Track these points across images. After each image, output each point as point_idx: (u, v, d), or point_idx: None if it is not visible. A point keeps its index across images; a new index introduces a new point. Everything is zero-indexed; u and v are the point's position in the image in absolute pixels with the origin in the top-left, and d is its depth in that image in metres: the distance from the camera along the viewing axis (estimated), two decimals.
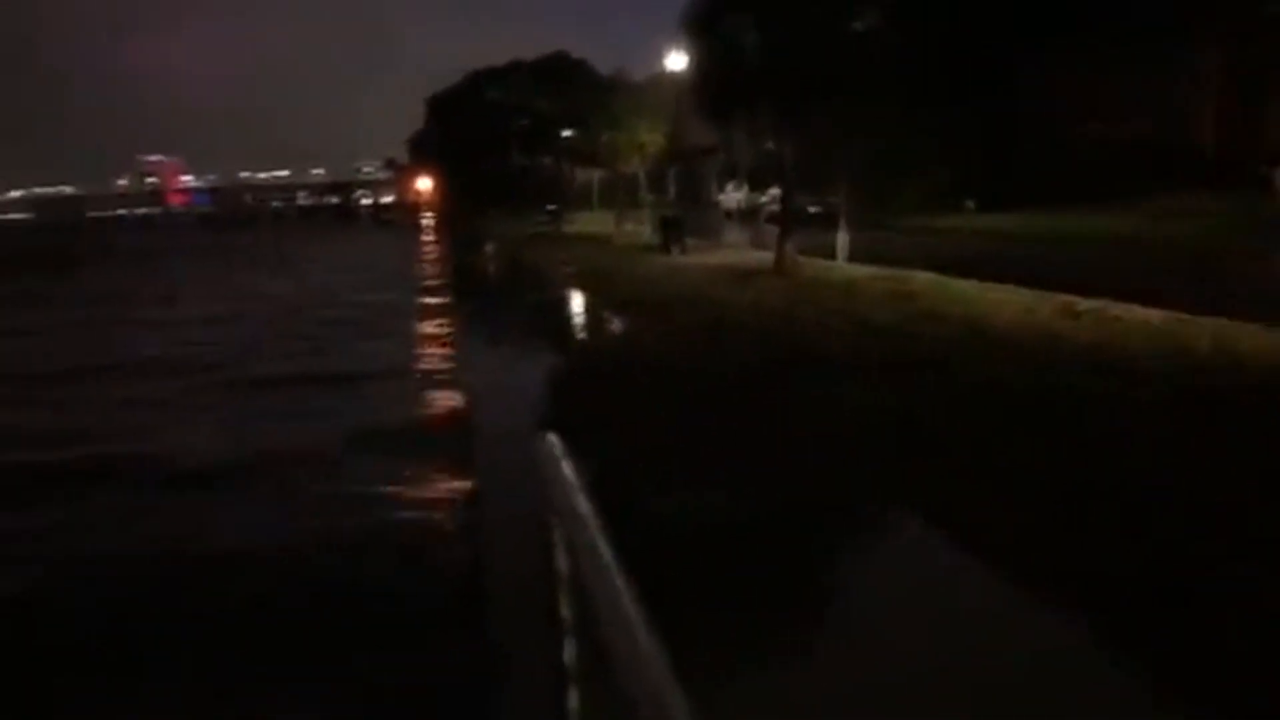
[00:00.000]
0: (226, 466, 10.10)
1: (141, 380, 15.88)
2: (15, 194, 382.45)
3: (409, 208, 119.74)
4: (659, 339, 14.51)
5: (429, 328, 20.28)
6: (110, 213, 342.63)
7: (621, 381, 11.83)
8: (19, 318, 27.05)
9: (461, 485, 8.83)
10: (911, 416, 8.60)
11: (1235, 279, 17.30)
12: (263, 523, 8.40)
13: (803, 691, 4.39)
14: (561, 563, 2.45)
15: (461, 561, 7.05)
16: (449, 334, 19.00)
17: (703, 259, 27.11)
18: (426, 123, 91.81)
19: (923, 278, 18.60)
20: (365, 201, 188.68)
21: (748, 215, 37.93)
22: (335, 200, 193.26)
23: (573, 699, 2.42)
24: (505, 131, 67.95)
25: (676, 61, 33.32)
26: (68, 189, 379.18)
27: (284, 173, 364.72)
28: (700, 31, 22.65)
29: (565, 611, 2.45)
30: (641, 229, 41.13)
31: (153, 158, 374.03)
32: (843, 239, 23.43)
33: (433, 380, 14.37)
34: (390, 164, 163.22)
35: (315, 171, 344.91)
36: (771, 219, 29.97)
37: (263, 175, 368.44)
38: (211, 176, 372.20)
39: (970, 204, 38.83)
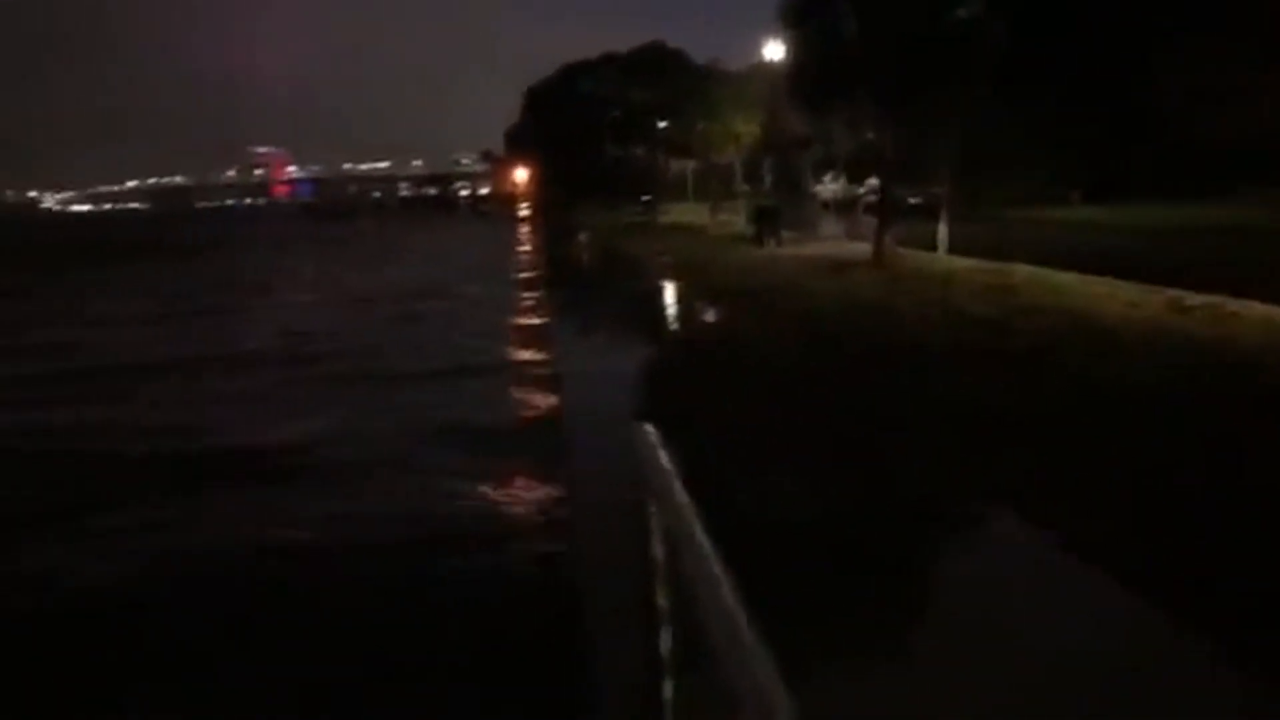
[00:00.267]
0: (329, 464, 10.07)
1: (243, 372, 16.05)
2: (132, 184, 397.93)
3: (505, 199, 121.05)
4: (753, 330, 14.39)
5: (524, 319, 20.35)
6: (218, 203, 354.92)
7: (716, 372, 11.75)
8: (131, 306, 28.00)
9: (554, 472, 8.83)
10: (1010, 413, 8.35)
11: None
12: (362, 513, 8.44)
13: (894, 689, 4.29)
14: (658, 551, 2.42)
15: (552, 549, 7.08)
16: (544, 325, 19.02)
17: (798, 250, 26.84)
18: (522, 115, 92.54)
19: (1025, 270, 18.11)
20: (463, 193, 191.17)
21: (844, 207, 37.37)
22: (434, 191, 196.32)
23: (667, 690, 2.40)
24: (600, 122, 68.15)
25: (774, 51, 32.95)
26: (179, 179, 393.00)
27: (385, 164, 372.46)
28: (798, 19, 22.39)
29: (661, 601, 2.43)
30: (736, 220, 40.90)
31: (261, 149, 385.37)
32: (943, 231, 22.94)
33: (529, 372, 14.32)
34: (487, 156, 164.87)
35: (415, 163, 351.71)
36: (869, 210, 29.48)
37: (364, 167, 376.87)
38: (315, 168, 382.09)
39: (1075, 196, 37.73)
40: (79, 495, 9.38)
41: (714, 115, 42.41)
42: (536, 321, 19.47)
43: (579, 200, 69.60)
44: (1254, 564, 5.27)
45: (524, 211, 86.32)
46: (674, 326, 17.29)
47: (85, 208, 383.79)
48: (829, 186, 45.19)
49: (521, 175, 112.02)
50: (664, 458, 2.32)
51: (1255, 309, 12.52)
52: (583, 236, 45.31)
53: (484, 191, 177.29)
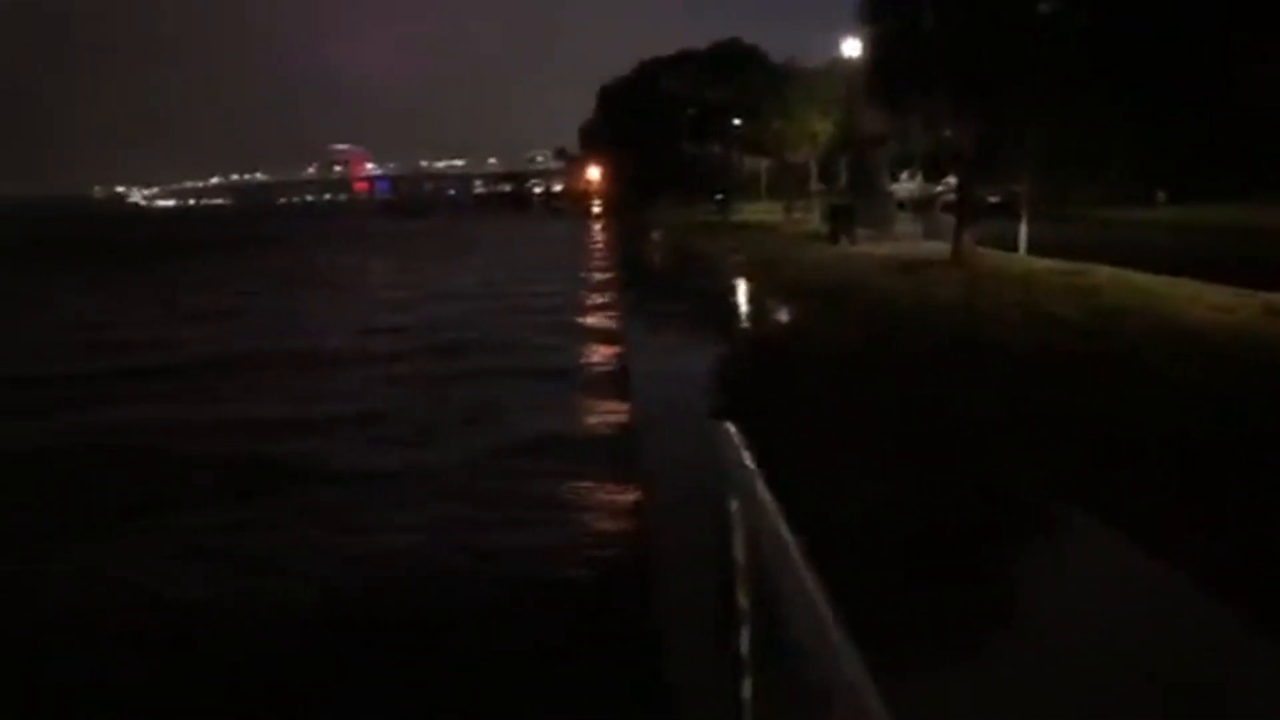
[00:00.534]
0: (405, 470, 9.94)
1: (317, 371, 16.12)
2: (215, 180, 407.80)
3: (579, 196, 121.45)
4: (828, 329, 14.24)
5: (595, 318, 20.36)
6: (298, 199, 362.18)
7: (790, 372, 11.63)
8: (223, 301, 28.65)
9: (629, 473, 8.80)
10: (1091, 418, 8.13)
11: None
12: (435, 521, 8.36)
13: (970, 687, 4.18)
14: (738, 551, 2.40)
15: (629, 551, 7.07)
16: (616, 322, 19.00)
17: (873, 249, 26.54)
18: (597, 113, 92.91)
19: (1108, 272, 17.66)
20: (537, 190, 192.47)
21: (922, 205, 36.87)
22: (508, 189, 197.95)
23: (746, 689, 2.38)
24: (674, 120, 68.11)
25: (852, 48, 32.64)
26: (261, 176, 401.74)
27: (460, 162, 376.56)
28: (877, 15, 22.10)
29: (741, 600, 2.40)
30: (810, 218, 40.60)
31: (340, 147, 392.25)
32: (1024, 230, 22.48)
33: (602, 371, 14.34)
34: (561, 153, 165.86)
35: (490, 161, 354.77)
36: (947, 209, 29.06)
37: (441, 164, 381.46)
38: (392, 165, 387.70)
39: (1161, 196, 36.71)
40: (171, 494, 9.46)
41: (790, 113, 42.16)
42: (608, 322, 19.40)
43: (652, 198, 69.65)
44: None
45: (597, 209, 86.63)
46: (747, 325, 17.16)
47: (170, 203, 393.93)
48: (905, 185, 44.60)
49: (595, 173, 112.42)
50: (746, 456, 2.30)
51: None
52: (655, 234, 45.33)
53: (557, 189, 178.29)
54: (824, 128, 41.46)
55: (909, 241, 29.25)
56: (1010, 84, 19.49)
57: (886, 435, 8.54)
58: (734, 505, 2.38)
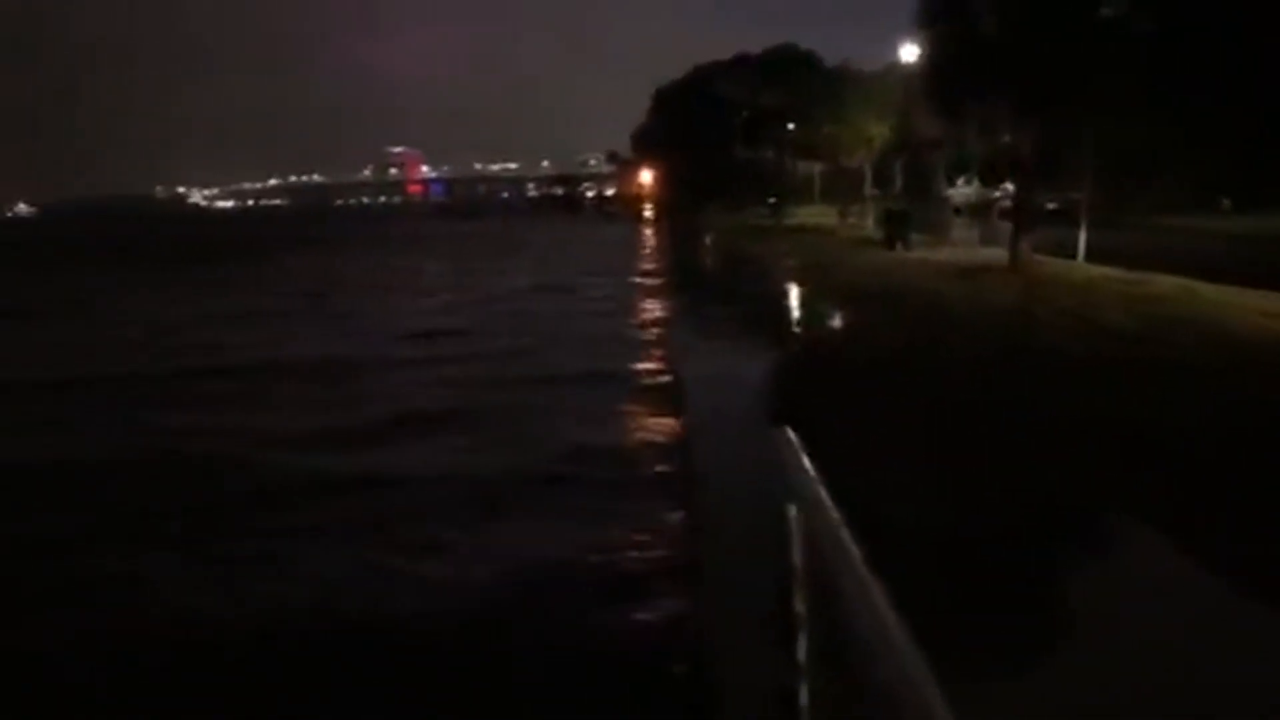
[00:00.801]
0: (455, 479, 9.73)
1: (371, 376, 15.87)
2: (273, 181, 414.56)
3: (631, 199, 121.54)
4: (883, 335, 14.11)
5: (649, 320, 20.29)
6: (354, 200, 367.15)
7: (843, 378, 11.52)
8: (280, 303, 29.00)
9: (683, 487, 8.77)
10: (1150, 429, 7.96)
11: None
12: (518, 536, 8.18)
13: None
14: (797, 556, 2.39)
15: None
16: (668, 327, 18.89)
17: (929, 255, 26.28)
18: (650, 116, 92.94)
19: (1169, 281, 17.31)
20: (589, 194, 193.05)
21: (978, 211, 36.44)
22: (560, 192, 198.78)
23: (804, 695, 2.38)
24: (728, 124, 67.95)
25: (909, 53, 32.37)
26: (317, 177, 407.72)
27: (514, 165, 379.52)
28: (935, 18, 21.88)
29: (799, 606, 2.40)
30: (864, 223, 40.32)
31: (396, 149, 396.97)
32: (1083, 237, 22.14)
33: (655, 379, 14.12)
34: (613, 157, 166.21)
35: (543, 164, 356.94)
36: (1004, 215, 28.70)
37: (495, 167, 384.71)
38: (447, 168, 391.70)
39: (1226, 203, 35.97)
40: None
41: (845, 117, 41.88)
42: (659, 329, 19.19)
43: (704, 202, 69.56)
44: None
45: (648, 212, 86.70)
46: (801, 330, 17.05)
47: (229, 203, 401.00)
48: (962, 190, 44.18)
49: (647, 177, 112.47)
50: (806, 461, 2.29)
51: None
52: (708, 238, 45.27)
53: (609, 193, 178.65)
54: (879, 132, 41.14)
55: (965, 247, 28.92)
56: (1071, 89, 19.20)
57: (941, 442, 8.43)
58: (793, 511, 2.37)
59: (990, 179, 41.97)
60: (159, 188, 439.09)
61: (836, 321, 16.90)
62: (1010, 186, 29.67)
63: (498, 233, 74.33)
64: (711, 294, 24.59)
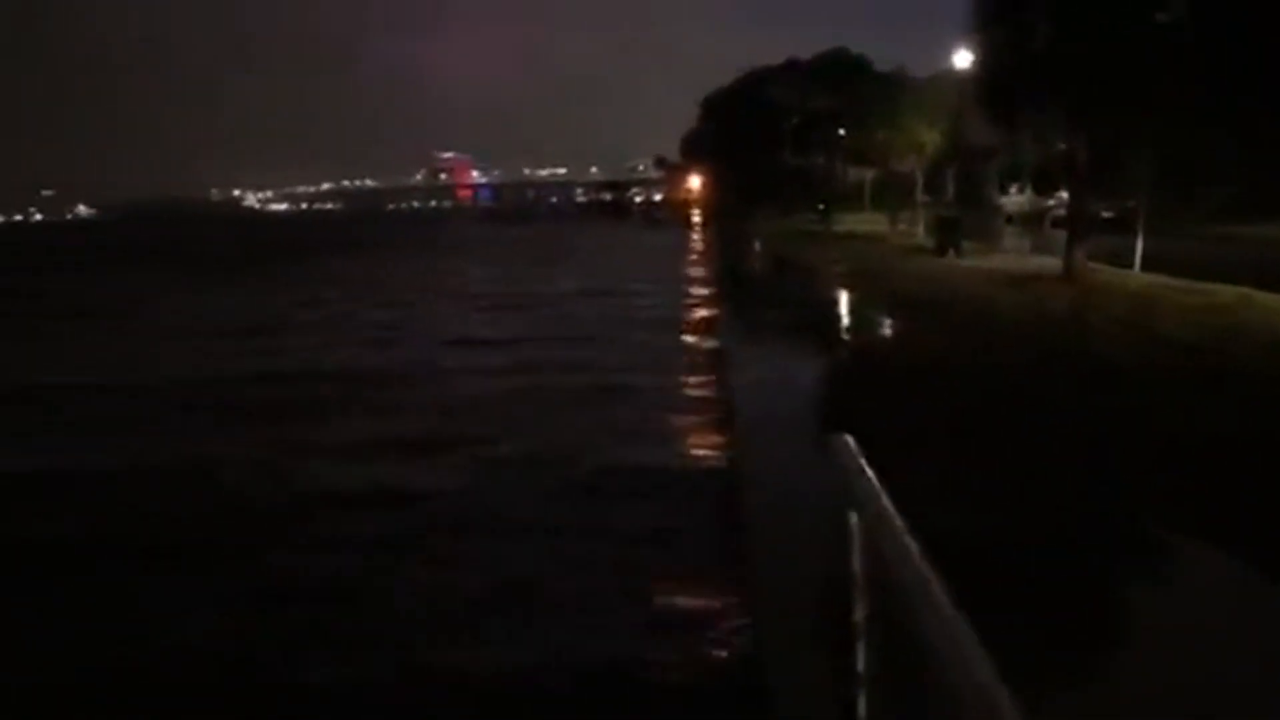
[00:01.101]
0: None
1: (425, 385, 15.76)
2: (326, 185, 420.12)
3: (679, 205, 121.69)
4: (933, 344, 13.97)
5: (698, 327, 20.14)
6: (405, 205, 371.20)
7: (895, 388, 11.41)
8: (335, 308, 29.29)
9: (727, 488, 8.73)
10: (1211, 443, 7.79)
11: None
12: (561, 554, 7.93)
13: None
14: (857, 564, 2.38)
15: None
16: (718, 336, 18.70)
17: (980, 262, 26.00)
18: (699, 122, 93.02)
19: (1227, 290, 16.95)
20: (638, 199, 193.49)
21: (1030, 219, 36.01)
22: (608, 197, 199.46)
23: (862, 706, 2.37)
24: (777, 130, 67.80)
25: (962, 59, 32.08)
26: (370, 182, 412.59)
27: (562, 170, 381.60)
28: (988, 24, 21.65)
29: (858, 614, 2.38)
30: (915, 230, 40.02)
31: (446, 155, 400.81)
32: (1139, 246, 21.77)
33: (701, 391, 13.91)
34: (661, 162, 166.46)
35: (592, 169, 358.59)
36: (1057, 224, 28.32)
37: (544, 172, 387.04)
38: (497, 173, 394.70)
39: None
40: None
41: (896, 123, 41.58)
42: (708, 337, 18.84)
43: (753, 208, 69.42)
44: None
45: (696, 218, 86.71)
46: (850, 338, 16.92)
47: (283, 206, 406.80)
48: (1014, 198, 43.72)
49: (695, 182, 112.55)
50: (867, 468, 2.27)
51: None
52: (756, 244, 45.16)
53: (657, 198, 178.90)
54: (931, 138, 40.78)
55: (1017, 256, 28.58)
56: (1127, 95, 18.91)
57: (993, 452, 8.32)
58: (853, 518, 2.36)
59: (1043, 187, 41.49)
60: (214, 190, 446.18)
61: (887, 329, 16.77)
62: (1064, 194, 29.26)
63: (545, 238, 74.65)
64: (760, 300, 24.49)
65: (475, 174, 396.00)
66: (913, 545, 1.75)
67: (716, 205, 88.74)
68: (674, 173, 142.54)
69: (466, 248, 64.91)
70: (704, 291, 26.84)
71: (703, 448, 10.72)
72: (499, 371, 16.52)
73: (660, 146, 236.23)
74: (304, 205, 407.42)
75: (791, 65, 71.44)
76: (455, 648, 6.14)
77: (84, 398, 15.38)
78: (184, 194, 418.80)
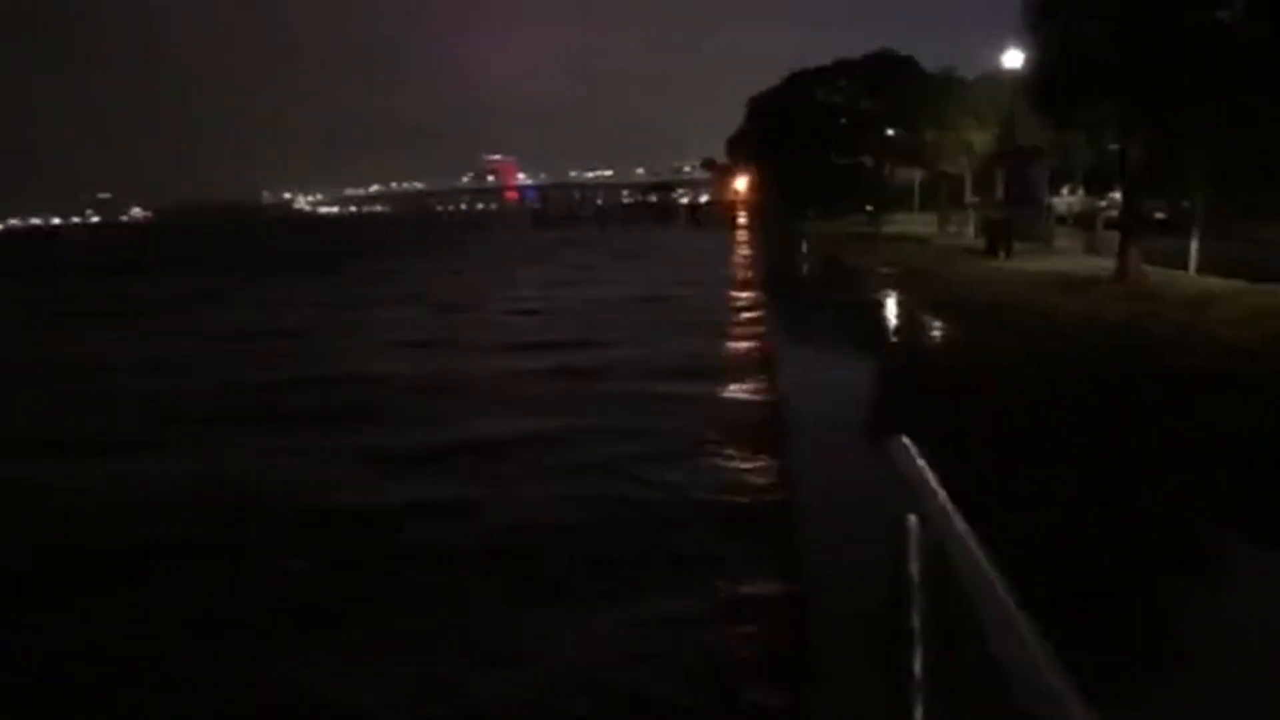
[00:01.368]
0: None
1: (473, 392, 15.42)
2: (375, 188, 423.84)
3: (725, 206, 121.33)
4: (987, 349, 13.86)
5: (746, 334, 19.95)
6: (453, 206, 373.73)
7: (947, 395, 11.32)
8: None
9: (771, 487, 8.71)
10: (1270, 450, 7.70)
11: None
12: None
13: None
14: (915, 568, 2.38)
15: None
16: (768, 341, 18.56)
17: (1031, 264, 25.72)
18: (745, 123, 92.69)
19: None
20: (683, 200, 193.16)
21: (1082, 220, 35.54)
22: (654, 199, 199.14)
23: (919, 712, 2.34)
24: (824, 131, 67.47)
25: (1013, 58, 31.78)
26: (419, 184, 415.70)
27: (608, 172, 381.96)
28: (1040, 22, 21.41)
29: (915, 620, 2.39)
30: (965, 232, 39.67)
31: (493, 157, 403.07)
32: (1194, 248, 21.44)
33: (749, 398, 13.58)
34: (708, 164, 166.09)
35: (638, 171, 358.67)
36: (1110, 225, 27.93)
37: (589, 174, 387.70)
38: (543, 175, 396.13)
39: None
40: None
41: (945, 124, 41.22)
42: (756, 343, 18.43)
43: (800, 209, 69.13)
44: None
45: (743, 220, 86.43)
46: (901, 343, 16.82)
47: (333, 209, 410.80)
48: (1066, 199, 43.19)
49: (741, 184, 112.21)
50: (927, 470, 2.28)
51: None
52: (804, 246, 44.99)
53: (703, 199, 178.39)
54: (981, 139, 40.38)
55: (1068, 257, 28.23)
56: (1183, 94, 18.63)
57: (1045, 457, 8.26)
58: (911, 520, 2.37)
59: (1096, 188, 40.95)
60: (265, 193, 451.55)
61: (937, 332, 16.67)
62: (1116, 195, 28.86)
63: (591, 240, 74.72)
64: (809, 303, 24.39)
65: (521, 176, 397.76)
66: (977, 549, 1.77)
67: (763, 207, 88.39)
68: (721, 174, 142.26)
69: (512, 250, 65.07)
70: (752, 295, 26.66)
71: (748, 466, 10.07)
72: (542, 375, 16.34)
73: (706, 148, 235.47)
74: (353, 208, 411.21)
75: (840, 66, 71.08)
76: None
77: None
78: (236, 196, 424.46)
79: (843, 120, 66.89)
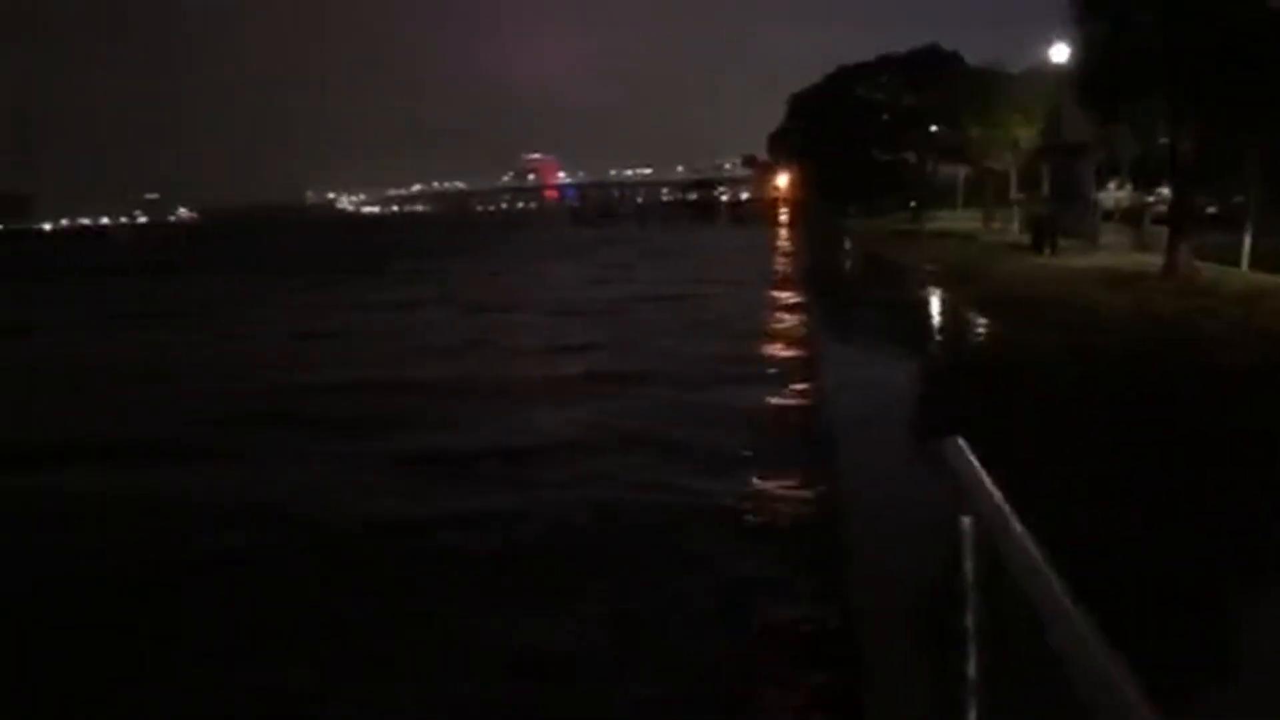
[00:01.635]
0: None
1: (503, 398, 15.12)
2: (417, 188, 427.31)
3: (767, 204, 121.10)
4: (1031, 346, 13.65)
5: (787, 336, 19.68)
6: (493, 206, 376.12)
7: (998, 394, 11.10)
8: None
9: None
10: None
11: None
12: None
13: None
14: (969, 570, 2.35)
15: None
16: (812, 343, 18.36)
17: (1077, 260, 25.37)
18: (786, 120, 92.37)
19: None
20: (724, 198, 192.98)
21: (1130, 215, 35.01)
22: (694, 196, 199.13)
23: (972, 714, 2.32)
24: (867, 127, 67.14)
25: (1059, 52, 31.36)
26: (459, 184, 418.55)
27: (648, 170, 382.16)
28: (1087, 15, 21.07)
29: (969, 622, 2.35)
30: (1010, 228, 39.26)
31: (533, 156, 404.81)
32: (1247, 242, 21.01)
33: (789, 406, 13.20)
34: (749, 161, 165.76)
35: (678, 168, 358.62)
36: (1158, 220, 27.48)
37: (629, 172, 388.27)
38: (582, 174, 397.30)
39: None
40: None
41: (990, 120, 40.84)
42: (799, 348, 17.82)
43: (842, 206, 68.83)
44: None
45: (784, 217, 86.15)
46: (949, 342, 16.59)
47: (375, 209, 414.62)
48: (1113, 194, 42.63)
49: (783, 181, 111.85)
50: (982, 471, 2.24)
51: None
52: (846, 243, 44.74)
53: (744, 196, 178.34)
54: (1026, 134, 39.96)
55: (1115, 253, 27.79)
56: (1237, 85, 18.23)
57: (1096, 459, 8.08)
58: (965, 522, 2.33)
59: (1143, 183, 40.35)
60: (309, 193, 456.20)
61: (983, 330, 16.45)
62: (1165, 190, 28.39)
63: (631, 238, 74.81)
64: (852, 301, 24.16)
65: (561, 175, 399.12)
66: (1036, 550, 1.71)
67: (804, 204, 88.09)
68: (762, 171, 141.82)
69: (551, 249, 65.30)
70: (794, 294, 26.38)
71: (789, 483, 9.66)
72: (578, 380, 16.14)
73: (747, 145, 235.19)
74: (395, 207, 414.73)
75: (883, 61, 70.67)
76: None
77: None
78: (280, 197, 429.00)
79: (885, 116, 66.53)
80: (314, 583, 7.66)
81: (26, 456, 12.06)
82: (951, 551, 2.38)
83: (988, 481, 2.15)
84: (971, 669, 2.36)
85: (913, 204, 57.33)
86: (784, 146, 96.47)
